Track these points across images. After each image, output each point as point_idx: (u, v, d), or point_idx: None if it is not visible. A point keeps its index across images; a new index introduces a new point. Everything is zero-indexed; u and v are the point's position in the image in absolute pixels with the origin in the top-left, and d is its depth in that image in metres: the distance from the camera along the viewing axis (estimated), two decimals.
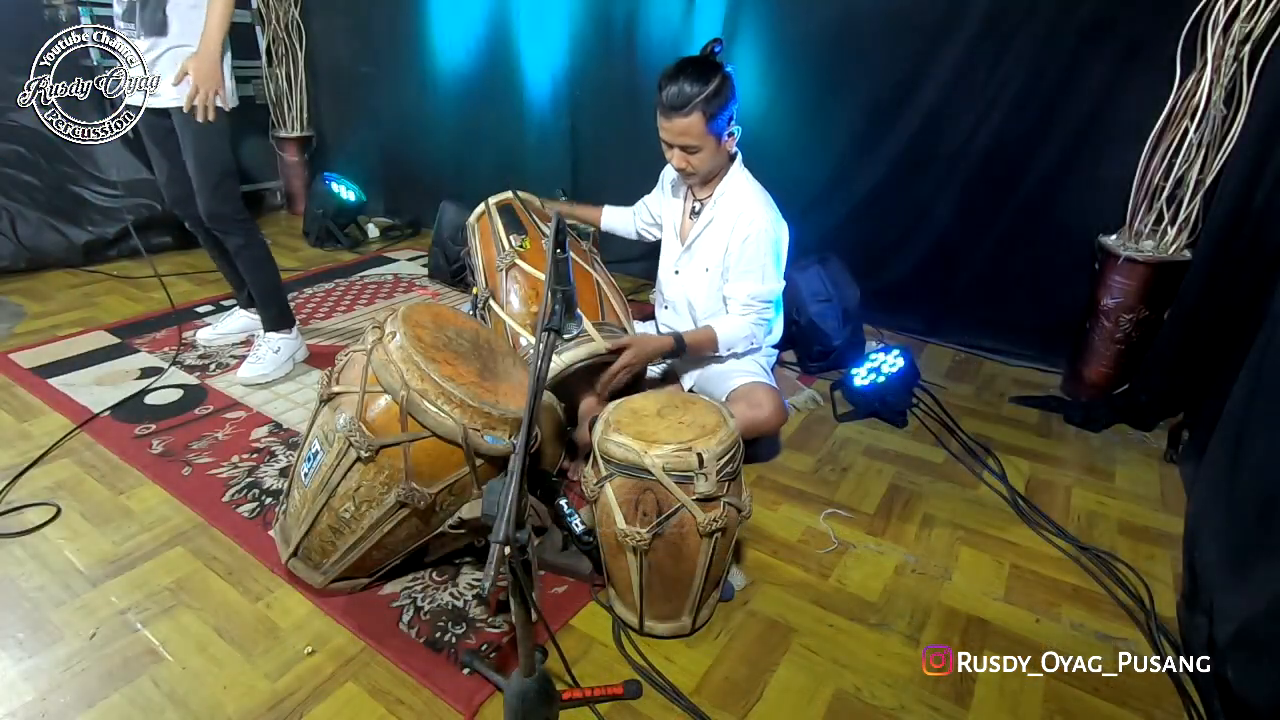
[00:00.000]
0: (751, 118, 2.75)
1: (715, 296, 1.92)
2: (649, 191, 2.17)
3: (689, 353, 1.85)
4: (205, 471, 1.78)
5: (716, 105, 1.67)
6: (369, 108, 4.12)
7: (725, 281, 1.88)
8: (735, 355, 1.92)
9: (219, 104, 1.95)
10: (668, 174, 2.07)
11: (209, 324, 2.56)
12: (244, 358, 2.34)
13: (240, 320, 2.52)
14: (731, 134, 1.77)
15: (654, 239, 2.20)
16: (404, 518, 1.29)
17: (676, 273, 2.00)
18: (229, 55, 2.01)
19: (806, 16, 2.60)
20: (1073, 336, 2.30)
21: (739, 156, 1.88)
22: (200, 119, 1.89)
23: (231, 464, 1.82)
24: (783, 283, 1.90)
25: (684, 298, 1.99)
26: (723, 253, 1.85)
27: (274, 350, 2.28)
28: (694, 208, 1.95)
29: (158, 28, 1.89)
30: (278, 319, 2.28)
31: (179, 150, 2.02)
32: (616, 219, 2.27)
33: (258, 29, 4.01)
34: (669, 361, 2.06)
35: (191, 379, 2.26)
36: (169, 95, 1.93)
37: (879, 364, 2.15)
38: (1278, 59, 1.79)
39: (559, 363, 1.66)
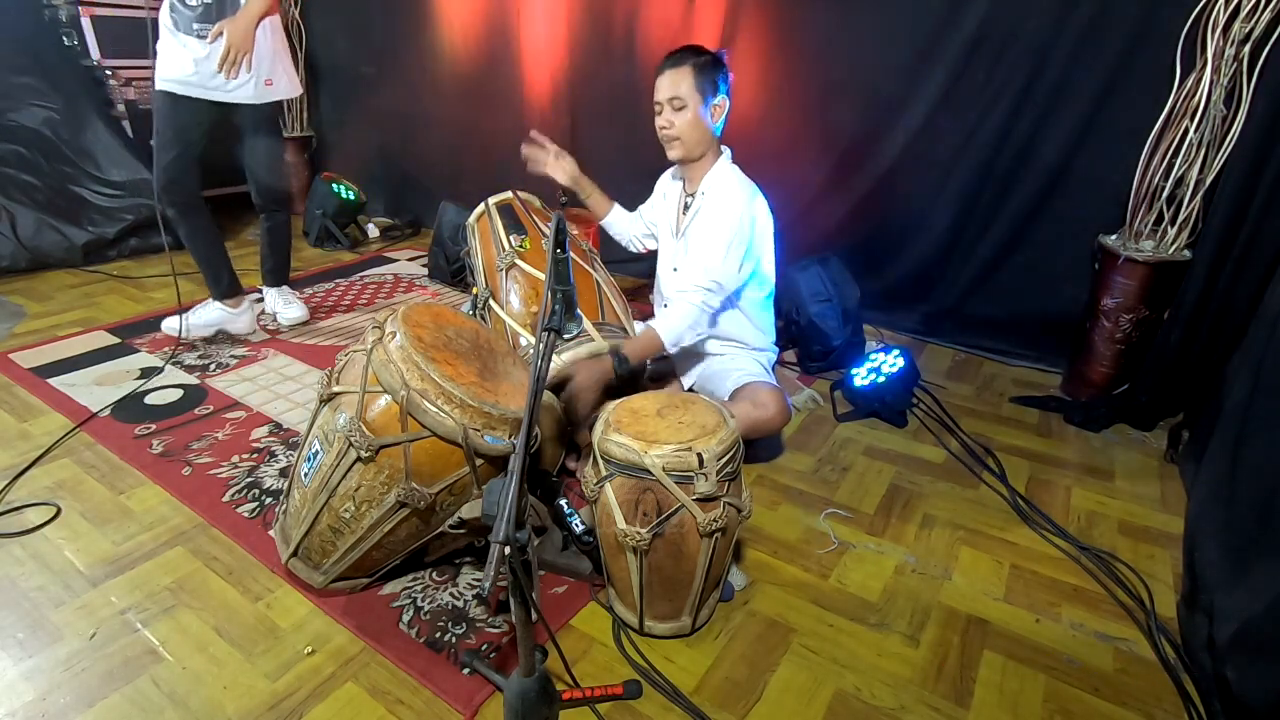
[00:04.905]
0: (751, 118, 2.78)
1: None
2: (648, 191, 2.17)
3: (633, 361, 1.71)
4: (205, 471, 1.79)
5: (707, 70, 1.78)
6: (369, 108, 4.12)
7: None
8: (682, 346, 1.83)
9: (282, 96, 2.26)
10: (663, 181, 2.09)
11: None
12: (244, 358, 2.37)
13: (214, 312, 2.48)
14: (718, 104, 1.80)
15: (643, 250, 2.24)
16: (404, 518, 1.29)
17: (675, 270, 2.00)
18: (285, 45, 2.25)
19: (806, 16, 2.60)
20: (1073, 336, 2.30)
21: (727, 152, 1.89)
22: (225, 77, 2.09)
23: (231, 464, 1.82)
24: (741, 278, 1.83)
25: None
26: None
27: (296, 296, 2.67)
28: (686, 203, 1.96)
29: None
30: (285, 276, 2.68)
31: (201, 138, 2.22)
32: (620, 220, 2.26)
33: None
34: (651, 365, 1.99)
35: (191, 379, 2.26)
36: (245, 93, 2.15)
37: (879, 364, 2.15)
38: (1278, 59, 1.79)
39: (559, 363, 1.67)
